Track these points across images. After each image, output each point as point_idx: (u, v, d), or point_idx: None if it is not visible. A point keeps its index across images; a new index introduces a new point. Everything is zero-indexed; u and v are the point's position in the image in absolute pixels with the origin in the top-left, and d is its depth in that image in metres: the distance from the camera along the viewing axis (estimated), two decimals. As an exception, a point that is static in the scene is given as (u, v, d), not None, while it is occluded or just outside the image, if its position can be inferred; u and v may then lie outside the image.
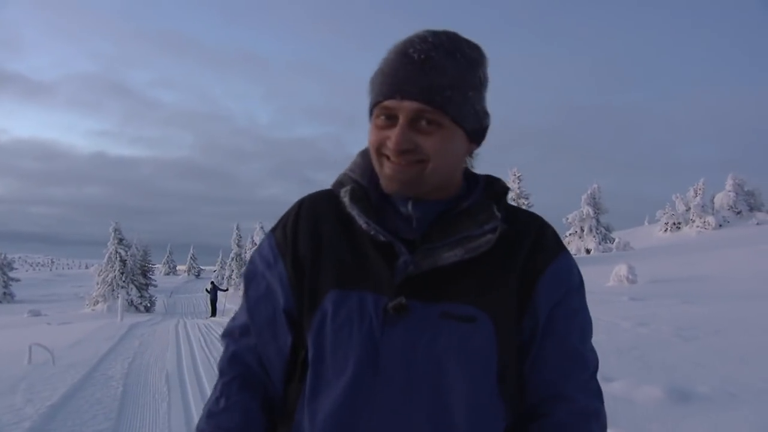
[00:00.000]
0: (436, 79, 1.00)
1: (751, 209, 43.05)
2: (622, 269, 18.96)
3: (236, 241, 51.58)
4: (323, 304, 1.04)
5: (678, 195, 44.84)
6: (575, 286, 1.12)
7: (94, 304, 31.59)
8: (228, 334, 1.19)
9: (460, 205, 1.10)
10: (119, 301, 25.32)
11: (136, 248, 35.01)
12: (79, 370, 8.30)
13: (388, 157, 1.03)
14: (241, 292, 1.22)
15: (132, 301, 31.14)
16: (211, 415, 1.12)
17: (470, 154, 1.13)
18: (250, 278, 1.17)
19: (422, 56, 1.00)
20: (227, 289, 40.00)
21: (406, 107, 1.00)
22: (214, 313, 27.68)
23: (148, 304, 32.19)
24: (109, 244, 32.94)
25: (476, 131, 1.08)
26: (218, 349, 10.84)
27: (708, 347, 6.77)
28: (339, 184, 1.14)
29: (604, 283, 18.35)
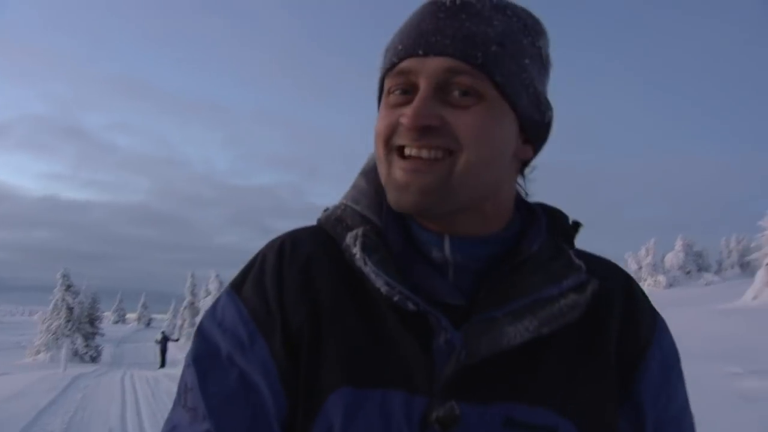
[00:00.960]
0: (478, 29, 0.69)
1: (700, 269, 44.44)
2: (577, 326, 19.22)
3: (190, 290, 50.38)
4: (327, 409, 0.69)
5: (630, 253, 46.05)
6: (680, 368, 0.82)
7: (35, 354, 30.17)
8: None
9: (524, 247, 0.76)
10: (63, 351, 24.24)
11: (85, 295, 33.84)
12: (15, 425, 7.89)
13: (400, 152, 0.71)
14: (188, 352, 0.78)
15: (77, 351, 29.87)
16: None
17: (524, 163, 0.79)
18: (207, 365, 0.74)
19: (458, 1, 0.71)
20: (178, 339, 39.19)
21: (430, 66, 0.69)
22: (163, 364, 27.16)
23: (95, 354, 30.92)
24: (55, 290, 31.75)
25: (534, 124, 0.75)
26: (165, 403, 10.46)
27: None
28: (337, 222, 0.79)
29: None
